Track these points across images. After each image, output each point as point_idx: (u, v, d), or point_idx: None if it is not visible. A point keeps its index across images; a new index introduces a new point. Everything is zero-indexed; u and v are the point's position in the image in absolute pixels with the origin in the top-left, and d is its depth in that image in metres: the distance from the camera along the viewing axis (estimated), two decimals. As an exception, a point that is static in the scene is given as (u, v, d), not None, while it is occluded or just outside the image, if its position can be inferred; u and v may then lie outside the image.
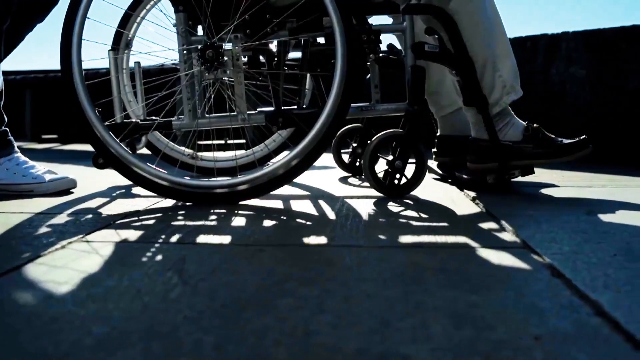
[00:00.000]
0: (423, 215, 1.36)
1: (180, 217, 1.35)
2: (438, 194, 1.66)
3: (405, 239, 1.13)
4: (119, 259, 1.00)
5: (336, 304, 0.75)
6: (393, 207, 1.46)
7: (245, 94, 1.54)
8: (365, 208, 1.45)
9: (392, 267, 0.93)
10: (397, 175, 1.61)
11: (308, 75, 1.69)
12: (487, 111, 1.67)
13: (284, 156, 1.51)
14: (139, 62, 1.78)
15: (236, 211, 1.42)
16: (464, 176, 1.81)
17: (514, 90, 1.70)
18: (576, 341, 0.63)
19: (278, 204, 1.52)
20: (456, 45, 1.66)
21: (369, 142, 1.64)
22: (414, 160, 1.61)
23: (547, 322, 0.69)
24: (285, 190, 1.74)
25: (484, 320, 0.69)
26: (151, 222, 1.31)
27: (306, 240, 1.12)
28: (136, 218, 1.35)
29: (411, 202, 1.53)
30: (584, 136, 1.69)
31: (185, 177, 1.55)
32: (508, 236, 1.15)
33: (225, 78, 1.63)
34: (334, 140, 1.91)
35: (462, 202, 1.53)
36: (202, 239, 1.13)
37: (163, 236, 1.16)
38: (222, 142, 2.06)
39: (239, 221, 1.31)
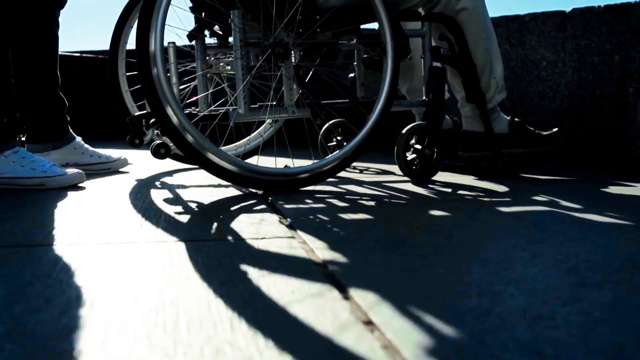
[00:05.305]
0: (208, 209, 1.30)
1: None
2: (229, 190, 1.57)
3: (176, 233, 1.05)
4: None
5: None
6: (167, 203, 1.37)
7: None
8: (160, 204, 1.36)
9: (151, 261, 0.86)
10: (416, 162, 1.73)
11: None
12: (485, 107, 1.83)
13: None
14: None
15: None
16: (457, 164, 1.98)
17: (504, 90, 1.87)
18: (317, 325, 0.62)
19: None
20: (462, 49, 1.80)
21: (402, 132, 1.72)
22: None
23: (290, 309, 0.67)
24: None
25: (234, 311, 0.66)
26: None
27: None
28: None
29: (193, 198, 1.44)
30: (557, 129, 1.91)
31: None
32: (282, 228, 1.10)
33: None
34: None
35: (247, 197, 1.47)
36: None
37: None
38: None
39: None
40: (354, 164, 2.09)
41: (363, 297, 0.71)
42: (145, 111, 1.75)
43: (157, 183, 1.71)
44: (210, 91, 1.77)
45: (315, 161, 1.54)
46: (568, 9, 2.19)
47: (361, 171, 1.99)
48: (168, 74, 1.52)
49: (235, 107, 1.59)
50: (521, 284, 0.77)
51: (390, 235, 1.05)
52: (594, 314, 0.66)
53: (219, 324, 0.63)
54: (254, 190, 1.53)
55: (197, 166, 1.97)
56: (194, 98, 1.75)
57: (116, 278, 0.80)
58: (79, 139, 1.97)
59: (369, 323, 0.63)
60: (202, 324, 0.63)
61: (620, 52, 2.05)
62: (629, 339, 0.59)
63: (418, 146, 1.72)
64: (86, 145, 1.97)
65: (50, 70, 1.92)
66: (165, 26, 1.42)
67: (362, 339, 0.60)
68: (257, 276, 0.80)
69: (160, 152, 1.51)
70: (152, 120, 1.63)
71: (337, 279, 0.79)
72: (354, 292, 0.73)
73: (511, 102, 2.26)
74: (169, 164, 2.07)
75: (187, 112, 1.56)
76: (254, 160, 1.58)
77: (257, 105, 1.70)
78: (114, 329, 0.62)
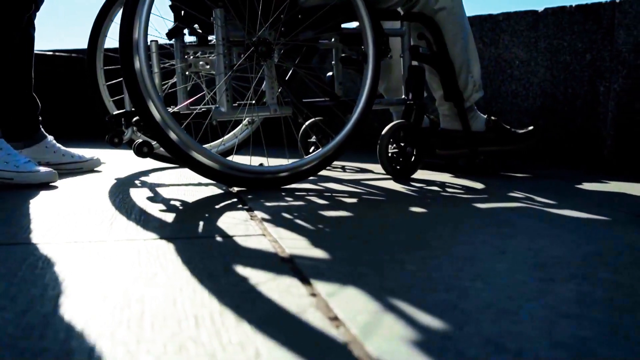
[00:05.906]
0: (181, 207, 1.29)
1: None
2: (204, 189, 1.54)
3: (145, 231, 1.04)
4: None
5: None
6: (138, 202, 1.34)
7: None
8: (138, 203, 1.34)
9: (119, 259, 0.85)
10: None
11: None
12: (463, 105, 1.84)
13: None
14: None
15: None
16: (435, 161, 1.99)
17: (481, 89, 1.88)
18: (282, 321, 0.62)
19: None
20: (440, 49, 1.81)
21: (383, 132, 1.71)
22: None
23: (255, 305, 0.67)
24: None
25: (199, 308, 0.65)
26: None
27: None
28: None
29: (166, 196, 1.43)
30: (532, 127, 1.93)
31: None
32: (253, 226, 1.09)
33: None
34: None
35: (223, 195, 1.44)
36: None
37: None
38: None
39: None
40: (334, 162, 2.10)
41: (329, 293, 0.71)
42: (124, 110, 1.73)
43: (131, 182, 1.68)
44: (189, 84, 1.76)
45: (296, 160, 1.53)
46: (540, 8, 2.21)
47: (343, 168, 1.98)
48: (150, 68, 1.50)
49: (215, 105, 1.57)
50: (488, 279, 0.77)
51: (362, 232, 1.05)
52: (559, 309, 0.66)
53: (184, 320, 0.62)
54: (230, 189, 1.52)
55: (178, 163, 1.95)
56: (172, 90, 1.74)
57: (82, 276, 0.78)
58: (50, 137, 1.94)
59: (334, 319, 0.63)
60: (167, 321, 0.62)
61: (592, 51, 2.07)
62: (592, 333, 0.60)
63: (401, 144, 1.72)
64: (58, 145, 1.94)
65: (25, 72, 1.89)
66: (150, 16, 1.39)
67: (327, 334, 0.59)
68: (224, 274, 0.79)
69: (143, 151, 1.48)
70: (134, 119, 1.60)
71: (305, 275, 0.78)
72: (321, 288, 0.73)
73: (485, 101, 2.27)
74: (145, 163, 2.05)
75: (169, 110, 1.53)
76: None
77: (237, 104, 1.68)
78: (78, 327, 0.60)
